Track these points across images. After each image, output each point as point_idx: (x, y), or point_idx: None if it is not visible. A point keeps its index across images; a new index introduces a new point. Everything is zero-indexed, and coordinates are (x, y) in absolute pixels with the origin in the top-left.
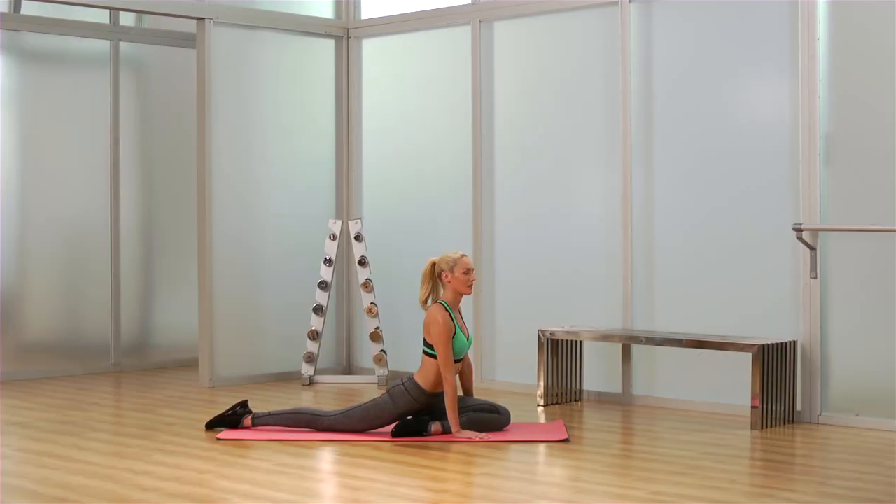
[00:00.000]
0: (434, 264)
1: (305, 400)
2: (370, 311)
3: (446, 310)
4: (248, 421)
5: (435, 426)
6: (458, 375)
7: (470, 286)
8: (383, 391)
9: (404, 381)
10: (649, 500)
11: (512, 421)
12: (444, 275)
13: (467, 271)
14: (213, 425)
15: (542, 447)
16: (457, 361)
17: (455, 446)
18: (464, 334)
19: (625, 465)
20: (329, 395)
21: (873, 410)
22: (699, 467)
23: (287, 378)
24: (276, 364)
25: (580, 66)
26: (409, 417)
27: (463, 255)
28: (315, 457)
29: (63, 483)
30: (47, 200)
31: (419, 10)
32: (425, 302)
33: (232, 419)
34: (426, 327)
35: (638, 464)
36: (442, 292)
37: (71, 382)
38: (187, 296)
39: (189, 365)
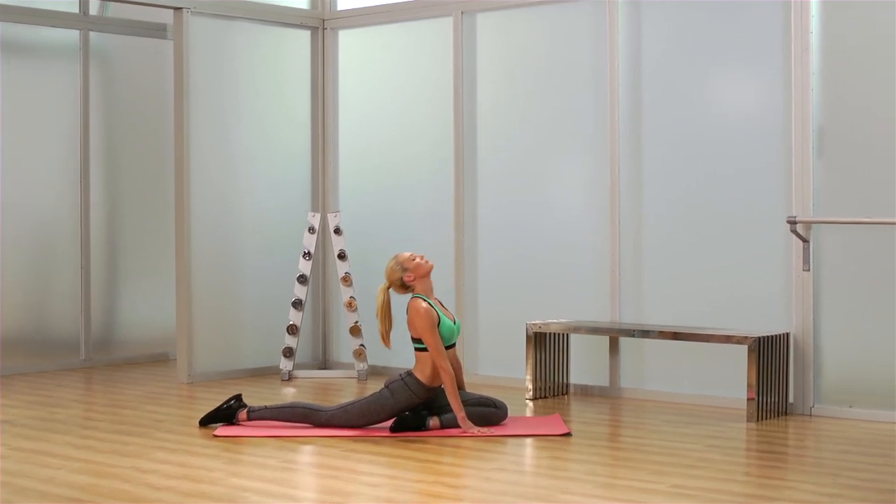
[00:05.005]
0: (388, 289)
1: (286, 395)
2: (350, 305)
3: (424, 300)
4: (243, 415)
5: (433, 421)
6: None
7: (428, 263)
8: (365, 385)
9: (403, 375)
10: (672, 493)
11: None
12: (406, 277)
13: (414, 258)
14: (207, 421)
15: (546, 441)
16: (449, 347)
17: (455, 441)
18: (449, 319)
19: (633, 458)
20: (309, 390)
21: (866, 402)
22: (709, 460)
23: (265, 373)
24: (253, 359)
25: (565, 58)
26: (406, 413)
27: (397, 255)
28: (320, 453)
29: (71, 483)
30: (14, 192)
31: (398, 1)
32: (388, 335)
33: (227, 413)
34: (410, 324)
35: (646, 457)
36: (412, 292)
37: (45, 378)
38: (154, 289)
39: (158, 360)
